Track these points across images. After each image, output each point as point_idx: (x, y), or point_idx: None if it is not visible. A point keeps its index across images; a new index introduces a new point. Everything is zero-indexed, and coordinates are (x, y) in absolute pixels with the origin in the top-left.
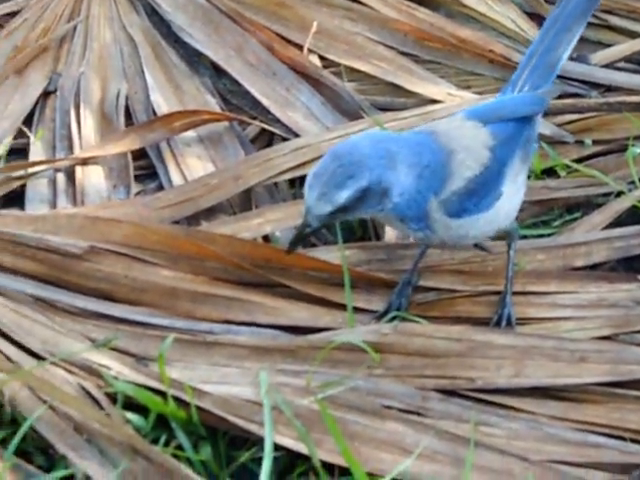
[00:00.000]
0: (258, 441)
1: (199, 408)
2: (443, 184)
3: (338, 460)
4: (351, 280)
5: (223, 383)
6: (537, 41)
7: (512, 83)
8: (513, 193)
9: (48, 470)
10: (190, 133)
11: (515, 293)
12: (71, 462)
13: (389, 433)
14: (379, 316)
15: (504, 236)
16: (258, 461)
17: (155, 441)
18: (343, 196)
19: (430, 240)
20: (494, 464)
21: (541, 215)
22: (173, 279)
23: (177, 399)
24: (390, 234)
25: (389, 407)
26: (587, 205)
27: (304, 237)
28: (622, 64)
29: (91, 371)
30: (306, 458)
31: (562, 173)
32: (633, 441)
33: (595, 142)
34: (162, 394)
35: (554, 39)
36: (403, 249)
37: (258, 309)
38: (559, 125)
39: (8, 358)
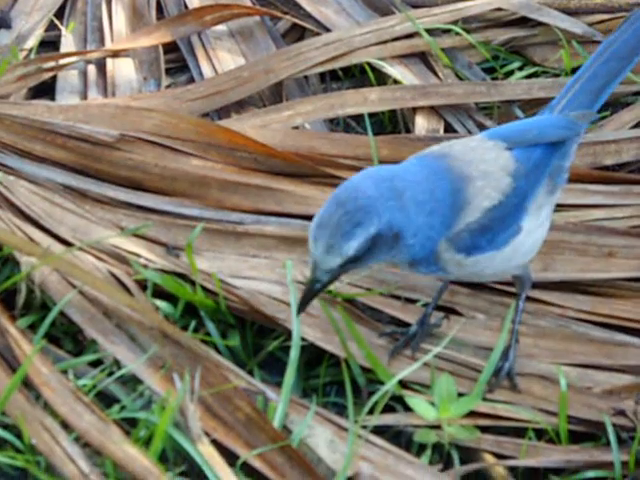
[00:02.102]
0: (286, 331)
1: (227, 298)
2: (457, 216)
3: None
4: None
5: (252, 273)
6: (586, 66)
7: (550, 108)
8: (534, 228)
9: (77, 355)
10: (221, 27)
11: None
12: (100, 347)
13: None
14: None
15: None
16: (286, 350)
17: (184, 328)
18: (352, 246)
19: (446, 277)
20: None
21: None
22: (203, 168)
23: (206, 288)
24: (420, 127)
25: (416, 300)
26: (616, 104)
27: (315, 295)
28: None
29: (121, 259)
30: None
31: None
32: None
33: None
34: (191, 282)
35: (604, 66)
36: (433, 141)
37: (288, 198)
38: (590, 24)
39: (38, 245)
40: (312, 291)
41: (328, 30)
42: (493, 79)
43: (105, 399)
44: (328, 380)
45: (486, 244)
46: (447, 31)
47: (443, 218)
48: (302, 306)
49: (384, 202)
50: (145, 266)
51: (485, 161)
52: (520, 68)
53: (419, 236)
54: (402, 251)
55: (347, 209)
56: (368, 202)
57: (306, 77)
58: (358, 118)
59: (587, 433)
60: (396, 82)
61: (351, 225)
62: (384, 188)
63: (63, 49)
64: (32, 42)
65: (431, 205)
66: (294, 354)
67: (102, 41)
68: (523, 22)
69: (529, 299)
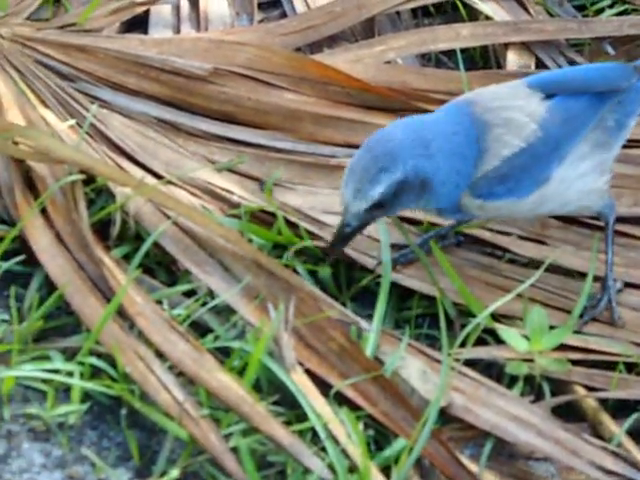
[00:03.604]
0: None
1: (316, 236)
2: (475, 164)
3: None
4: None
5: None
6: None
7: None
8: (570, 180)
9: (170, 285)
10: None
11: None
12: (194, 277)
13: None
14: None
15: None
16: (378, 283)
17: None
18: (377, 191)
19: (476, 220)
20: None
21: None
22: (296, 102)
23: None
24: (512, 63)
25: (509, 234)
26: None
27: (345, 238)
28: None
29: (214, 194)
30: None
31: None
32: None
33: None
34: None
35: None
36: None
37: None
38: None
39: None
40: (342, 235)
41: None
42: (584, 16)
43: (199, 329)
44: (420, 312)
45: (504, 192)
46: None
47: (467, 166)
48: (332, 248)
49: (410, 150)
50: (238, 204)
51: (510, 109)
52: (610, 6)
53: (447, 184)
54: (430, 200)
55: (374, 154)
56: (394, 148)
57: (398, 13)
58: (449, 53)
59: None
60: (487, 18)
61: (377, 170)
62: (412, 137)
63: None
64: None
65: (457, 154)
66: (385, 285)
67: None
68: None
69: (618, 233)
